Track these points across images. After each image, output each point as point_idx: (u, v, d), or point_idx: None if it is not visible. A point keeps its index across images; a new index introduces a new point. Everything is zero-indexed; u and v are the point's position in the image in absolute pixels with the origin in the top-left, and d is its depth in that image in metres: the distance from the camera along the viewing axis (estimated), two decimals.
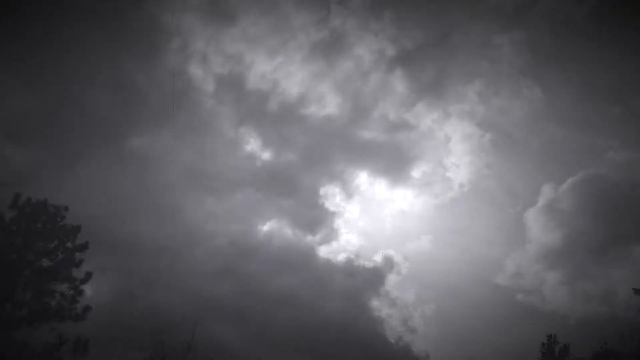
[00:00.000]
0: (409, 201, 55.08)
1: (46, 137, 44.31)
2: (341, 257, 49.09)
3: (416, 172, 54.68)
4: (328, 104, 52.67)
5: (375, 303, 48.26)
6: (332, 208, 50.85)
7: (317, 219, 49.63)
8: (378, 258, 49.67)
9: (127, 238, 41.48)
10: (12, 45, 44.26)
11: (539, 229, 54.09)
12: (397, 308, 48.66)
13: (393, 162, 54.28)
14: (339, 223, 51.19)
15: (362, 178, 54.31)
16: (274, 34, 52.58)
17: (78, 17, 46.62)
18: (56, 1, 45.76)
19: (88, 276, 19.21)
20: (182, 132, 46.11)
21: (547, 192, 55.43)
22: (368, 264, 49.28)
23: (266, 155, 50.88)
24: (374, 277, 48.84)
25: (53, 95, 45.18)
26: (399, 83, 54.40)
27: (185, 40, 46.08)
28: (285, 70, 51.92)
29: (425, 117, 55.11)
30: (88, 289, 41.46)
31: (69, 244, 19.35)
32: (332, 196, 51.63)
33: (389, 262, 49.47)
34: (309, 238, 49.00)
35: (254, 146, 50.77)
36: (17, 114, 44.05)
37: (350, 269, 48.67)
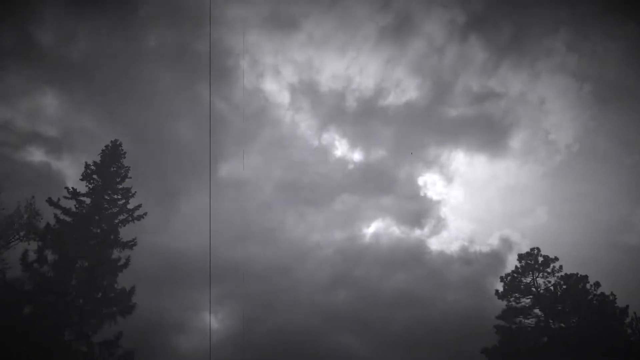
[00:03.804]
0: (513, 174, 51.33)
1: (144, 180, 45.20)
2: (454, 246, 46.70)
3: (515, 142, 51.00)
4: (407, 89, 50.31)
5: (500, 288, 45.30)
6: (435, 197, 48.38)
7: (421, 211, 47.51)
8: (494, 240, 46.84)
9: (237, 263, 41.58)
10: (101, 99, 45.79)
11: None
12: None
13: (488, 136, 50.98)
14: (445, 211, 48.57)
15: (460, 159, 51.20)
16: (339, 30, 50.87)
17: (147, 57, 47.37)
18: (124, 48, 46.63)
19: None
20: (268, 149, 45.60)
21: None
22: (484, 249, 46.58)
23: (356, 156, 49.35)
24: (494, 261, 46.03)
25: (143, 136, 46.18)
26: (477, 50, 50.85)
27: (254, 57, 45.50)
28: (357, 65, 50.05)
29: (512, 79, 51.19)
30: (213, 318, 42.10)
31: None
32: (432, 184, 49.10)
33: (506, 243, 46.49)
34: (417, 232, 46.94)
35: (342, 150, 49.42)
36: None
37: (466, 257, 46.16)
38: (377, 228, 47.30)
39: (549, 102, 51.68)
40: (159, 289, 41.96)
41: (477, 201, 52.43)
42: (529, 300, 26.21)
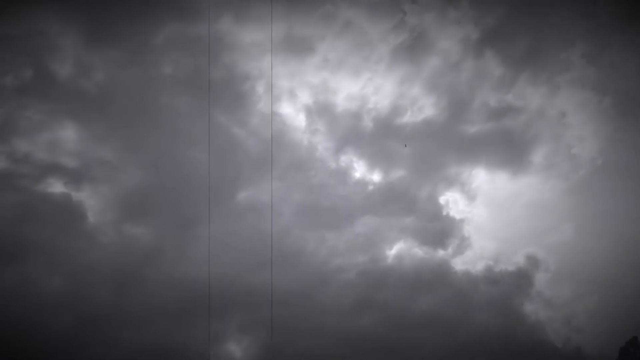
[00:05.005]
0: (536, 190, 50.16)
1: (163, 210, 45.33)
2: (479, 266, 45.84)
3: (537, 157, 49.81)
4: (423, 107, 49.73)
5: (528, 307, 44.32)
6: (457, 216, 47.58)
7: (444, 230, 46.67)
8: (520, 259, 45.83)
9: (259, 289, 41.17)
10: (119, 129, 46.10)
11: None
12: (555, 308, 44.57)
13: (508, 151, 49.94)
14: (468, 230, 47.68)
15: (481, 176, 50.23)
16: (354, 51, 50.73)
17: (160, 81, 47.66)
18: (141, 77, 47.00)
19: None
20: (286, 173, 45.39)
21: None
22: (510, 268, 45.63)
23: (375, 177, 48.78)
24: (521, 280, 45.17)
25: (160, 167, 46.27)
26: (493, 65, 50.19)
27: (269, 82, 45.63)
28: (372, 85, 49.79)
29: (531, 94, 50.27)
30: (237, 348, 41.47)
31: None
32: (454, 203, 48.32)
33: (533, 261, 45.47)
34: (441, 253, 46.10)
35: (360, 171, 48.90)
36: (132, 194, 45.47)
37: (492, 277, 45.34)
38: (399, 249, 46.58)
39: (570, 115, 50.54)
40: (178, 321, 41.63)
41: (501, 219, 51.11)
42: None
